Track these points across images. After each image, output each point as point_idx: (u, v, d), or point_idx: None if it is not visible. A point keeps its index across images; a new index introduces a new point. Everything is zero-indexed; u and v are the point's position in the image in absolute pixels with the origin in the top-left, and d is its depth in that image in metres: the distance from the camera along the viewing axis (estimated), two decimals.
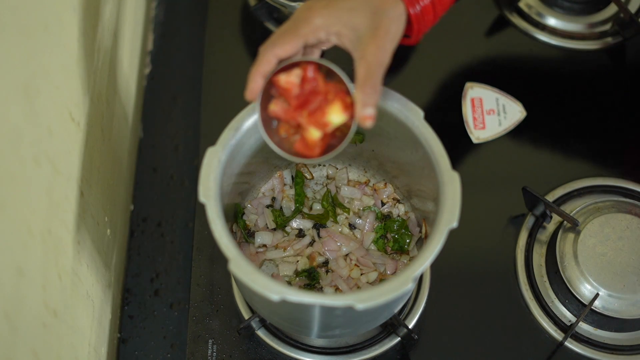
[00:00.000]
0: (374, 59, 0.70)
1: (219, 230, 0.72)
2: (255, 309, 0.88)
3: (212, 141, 0.76)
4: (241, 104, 0.78)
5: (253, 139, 0.80)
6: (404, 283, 0.69)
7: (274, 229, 0.91)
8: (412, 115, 0.77)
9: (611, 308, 0.90)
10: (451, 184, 0.74)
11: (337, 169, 0.95)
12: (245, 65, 1.15)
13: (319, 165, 0.95)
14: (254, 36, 1.17)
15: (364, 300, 0.68)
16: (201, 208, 0.74)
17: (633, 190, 1.01)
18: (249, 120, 0.78)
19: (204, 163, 0.75)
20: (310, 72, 0.73)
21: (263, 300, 0.72)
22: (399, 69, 1.16)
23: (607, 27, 1.16)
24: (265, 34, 1.17)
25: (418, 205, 0.90)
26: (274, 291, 0.68)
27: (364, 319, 0.81)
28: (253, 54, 1.16)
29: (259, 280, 0.69)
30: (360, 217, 0.92)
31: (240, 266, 0.70)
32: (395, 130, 0.79)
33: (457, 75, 1.12)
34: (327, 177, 0.95)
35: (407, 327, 0.90)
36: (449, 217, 0.72)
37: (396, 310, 0.86)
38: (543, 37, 1.16)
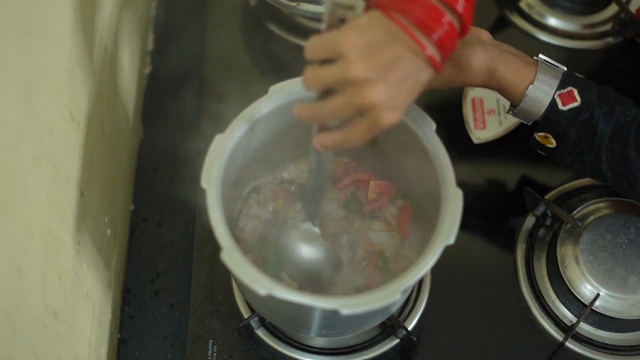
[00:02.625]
0: None
1: (217, 218, 0.71)
2: (249, 302, 0.87)
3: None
4: (241, 103, 0.78)
5: (268, 130, 0.80)
6: (392, 294, 0.68)
7: None
8: (424, 126, 0.77)
9: (612, 308, 0.90)
10: (454, 201, 0.73)
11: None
12: (246, 65, 1.15)
13: None
14: (254, 36, 1.17)
15: (349, 306, 0.67)
16: (202, 208, 0.74)
17: None
18: (262, 111, 0.78)
19: (210, 149, 0.75)
20: None
21: (254, 294, 0.72)
22: None
23: (607, 27, 1.16)
24: (266, 34, 1.17)
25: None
26: (262, 286, 0.68)
27: (359, 320, 0.80)
28: (253, 54, 1.16)
29: (249, 272, 0.68)
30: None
31: (232, 256, 0.69)
32: (406, 138, 0.79)
33: None
34: None
35: (406, 329, 0.90)
36: (447, 233, 0.71)
37: (394, 310, 0.86)
38: (544, 37, 1.16)
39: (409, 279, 0.70)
